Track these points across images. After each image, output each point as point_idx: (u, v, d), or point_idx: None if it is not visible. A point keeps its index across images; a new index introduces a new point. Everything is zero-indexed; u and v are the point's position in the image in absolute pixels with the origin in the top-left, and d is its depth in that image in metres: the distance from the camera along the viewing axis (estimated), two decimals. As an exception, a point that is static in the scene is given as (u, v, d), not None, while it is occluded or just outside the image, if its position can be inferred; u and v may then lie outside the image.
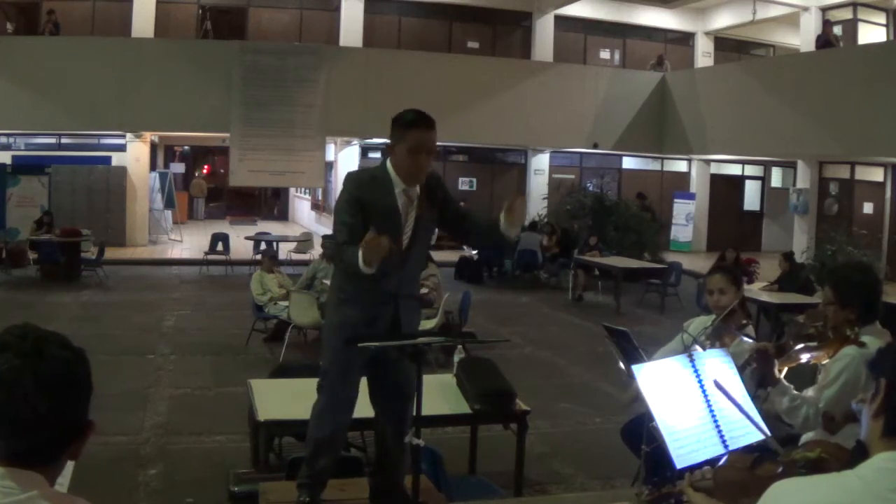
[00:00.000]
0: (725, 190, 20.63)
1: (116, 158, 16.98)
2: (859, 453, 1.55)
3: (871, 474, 1.31)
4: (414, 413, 3.07)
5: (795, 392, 2.96)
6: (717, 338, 3.44)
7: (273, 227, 20.69)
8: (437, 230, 3.63)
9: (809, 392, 3.07)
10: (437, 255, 10.25)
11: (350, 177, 3.32)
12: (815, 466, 1.65)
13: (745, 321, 3.63)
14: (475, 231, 3.56)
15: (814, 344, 2.96)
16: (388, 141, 3.27)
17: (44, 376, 1.27)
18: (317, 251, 13.15)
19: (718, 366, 2.79)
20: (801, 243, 15.50)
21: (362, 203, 3.15)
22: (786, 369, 3.02)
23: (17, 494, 1.24)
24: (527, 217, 17.31)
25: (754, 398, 2.86)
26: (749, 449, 2.50)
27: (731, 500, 1.73)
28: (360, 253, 2.92)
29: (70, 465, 1.49)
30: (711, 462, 2.27)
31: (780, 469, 1.75)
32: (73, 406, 1.31)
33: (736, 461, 1.84)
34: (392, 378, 3.33)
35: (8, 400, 1.25)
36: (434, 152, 3.21)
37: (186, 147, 25.12)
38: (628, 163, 20.33)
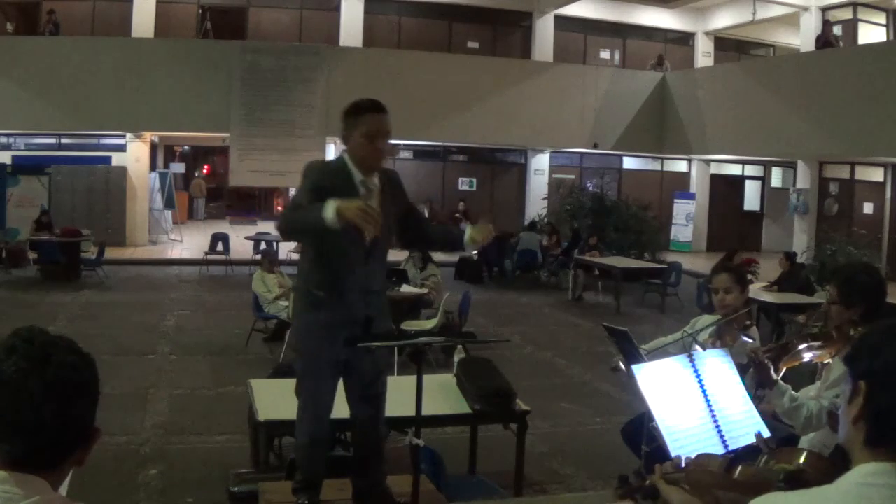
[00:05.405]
0: (725, 190, 20.63)
1: (116, 158, 16.96)
2: (839, 459, 1.48)
3: (854, 490, 1.23)
4: (414, 413, 3.06)
5: (794, 393, 2.95)
6: (719, 336, 3.44)
7: (273, 227, 20.66)
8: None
9: (811, 392, 3.06)
10: (437, 255, 10.22)
11: (312, 166, 3.28)
12: (795, 479, 1.60)
13: (748, 322, 3.63)
14: (436, 238, 3.65)
15: (817, 343, 2.95)
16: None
17: (51, 381, 1.24)
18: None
19: (718, 366, 2.79)
20: (801, 243, 15.50)
21: (324, 192, 2.99)
22: (785, 368, 3.02)
23: (19, 501, 1.21)
24: (525, 218, 17.44)
25: (754, 399, 2.86)
26: (749, 449, 2.50)
27: (704, 491, 1.70)
28: (333, 206, 2.80)
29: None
30: None
31: (757, 476, 1.69)
32: (79, 412, 1.29)
33: (707, 464, 1.77)
34: (363, 376, 3.33)
35: (13, 404, 1.22)
36: (389, 136, 3.17)
37: (186, 147, 25.10)
38: (628, 163, 20.33)
